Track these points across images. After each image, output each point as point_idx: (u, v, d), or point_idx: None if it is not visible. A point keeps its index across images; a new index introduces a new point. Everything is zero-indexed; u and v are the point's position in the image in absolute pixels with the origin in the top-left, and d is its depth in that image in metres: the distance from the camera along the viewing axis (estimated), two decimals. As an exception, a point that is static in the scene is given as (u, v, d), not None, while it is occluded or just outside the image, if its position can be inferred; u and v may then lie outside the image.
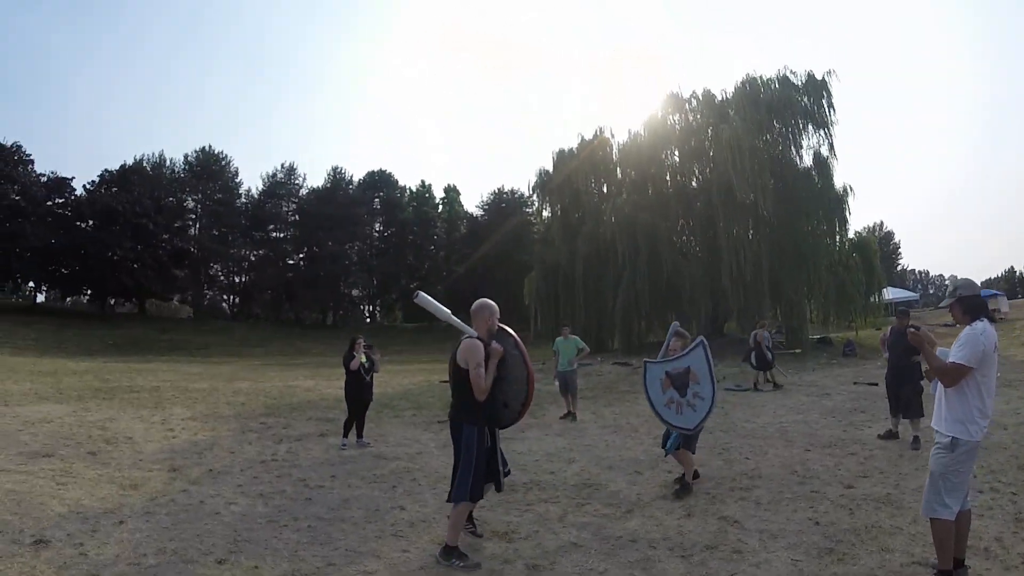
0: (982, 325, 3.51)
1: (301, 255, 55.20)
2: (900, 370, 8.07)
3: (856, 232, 28.62)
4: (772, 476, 6.53)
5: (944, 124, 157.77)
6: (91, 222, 42.16)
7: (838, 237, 25.53)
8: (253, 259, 56.49)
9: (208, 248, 51.58)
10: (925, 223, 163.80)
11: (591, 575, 4.04)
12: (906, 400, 7.91)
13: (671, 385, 6.09)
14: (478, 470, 4.19)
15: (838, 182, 25.17)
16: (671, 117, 27.82)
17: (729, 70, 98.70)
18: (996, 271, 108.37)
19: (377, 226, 60.18)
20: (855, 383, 14.81)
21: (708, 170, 26.05)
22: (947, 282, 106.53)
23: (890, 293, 36.80)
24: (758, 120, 24.96)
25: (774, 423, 10.02)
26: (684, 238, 28.20)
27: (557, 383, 12.18)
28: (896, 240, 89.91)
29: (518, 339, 4.39)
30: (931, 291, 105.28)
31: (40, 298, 47.51)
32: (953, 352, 3.48)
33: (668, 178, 27.99)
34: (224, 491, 6.15)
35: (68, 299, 47.86)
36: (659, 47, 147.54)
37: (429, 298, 4.58)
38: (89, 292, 45.69)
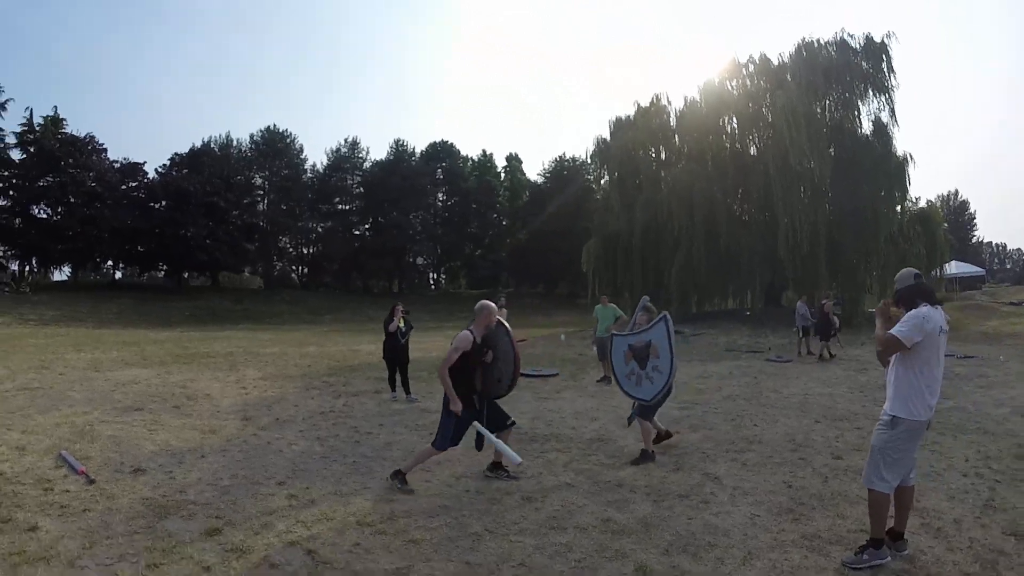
0: (926, 309, 3.67)
1: (367, 226, 56.86)
2: None
3: (928, 201, 27.86)
4: (770, 442, 6.88)
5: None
6: (164, 203, 44.74)
7: (898, 207, 24.99)
8: (320, 231, 58.77)
9: (277, 222, 54.01)
10: (1005, 194, 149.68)
11: (571, 507, 4.74)
12: None
13: (633, 358, 6.32)
14: (449, 429, 5.17)
15: (899, 149, 24.62)
16: (728, 83, 27.51)
17: (788, 33, 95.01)
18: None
19: (440, 196, 61.29)
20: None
21: (767, 137, 25.72)
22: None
23: (955, 267, 35.43)
24: (814, 86, 24.52)
25: (798, 394, 10.36)
26: (742, 207, 27.98)
27: (595, 348, 12.81)
28: (971, 211, 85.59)
29: (508, 328, 5.42)
30: (1007, 266, 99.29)
31: (118, 275, 50.82)
32: (895, 328, 3.66)
33: (728, 145, 27.73)
34: (287, 435, 7.21)
35: (145, 275, 50.99)
36: (718, 11, 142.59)
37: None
38: (165, 268, 48.66)
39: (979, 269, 48.88)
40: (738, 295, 27.46)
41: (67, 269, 46.54)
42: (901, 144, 44.05)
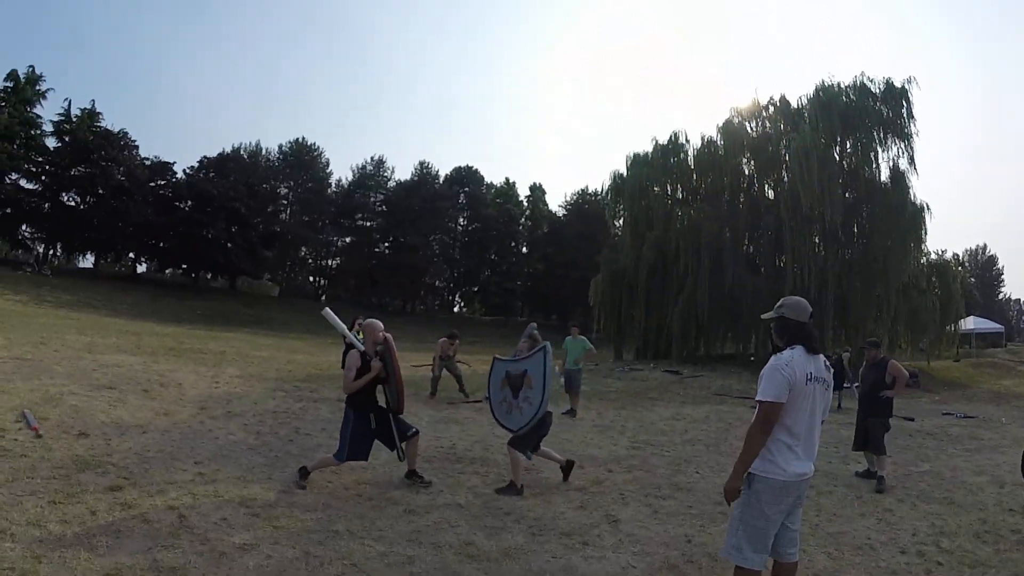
0: (788, 354, 3.23)
1: (387, 244, 58.49)
2: (868, 403, 7.97)
3: (954, 254, 27.91)
4: (701, 492, 6.55)
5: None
6: (189, 203, 47.21)
7: (912, 257, 24.97)
8: (340, 245, 60.69)
9: (298, 233, 55.90)
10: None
11: (443, 525, 4.97)
12: (869, 435, 7.69)
13: (507, 384, 6.31)
14: (348, 440, 5.71)
15: (917, 198, 24.67)
16: (748, 123, 28.15)
17: (809, 74, 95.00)
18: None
19: (462, 220, 63.19)
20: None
21: (782, 179, 26.15)
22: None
23: (972, 323, 34.84)
24: (831, 129, 24.88)
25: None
26: (751, 249, 28.34)
27: (562, 380, 13.35)
28: (999, 266, 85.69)
29: (393, 347, 5.87)
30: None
31: (141, 269, 53.29)
32: (759, 391, 3.20)
33: (744, 186, 28.30)
34: (230, 426, 8.04)
35: (167, 271, 53.09)
36: (739, 50, 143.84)
37: (332, 314, 6.28)
38: (184, 266, 51.06)
39: (998, 325, 47.53)
40: (740, 339, 27.53)
41: (91, 257, 48.76)
42: (920, 193, 43.55)
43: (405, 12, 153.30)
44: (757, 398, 3.18)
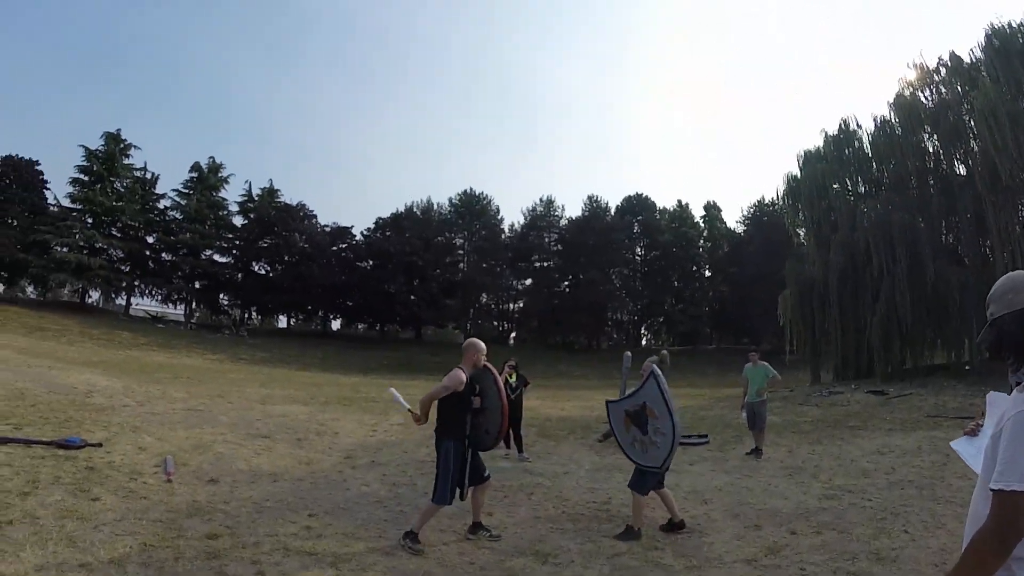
0: None
1: (566, 282, 59.41)
2: None
3: None
4: (909, 561, 5.12)
5: None
6: (369, 262, 52.68)
7: None
8: (520, 288, 62.56)
9: (477, 280, 58.45)
10: None
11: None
12: None
13: (632, 424, 5.89)
14: (451, 479, 5.20)
15: None
16: (920, 93, 25.30)
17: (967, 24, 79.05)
18: None
19: (638, 250, 62.54)
20: None
21: (971, 150, 23.02)
22: None
23: None
24: (1015, 78, 21.41)
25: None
26: (949, 239, 25.17)
27: (743, 415, 11.80)
28: None
29: (497, 375, 5.43)
30: None
31: (336, 325, 59.02)
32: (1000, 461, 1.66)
33: (930, 166, 25.20)
34: (368, 476, 7.86)
35: (358, 326, 57.91)
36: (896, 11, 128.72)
37: (395, 392, 6.00)
38: (370, 320, 55.93)
39: None
40: (951, 345, 23.88)
41: (284, 319, 55.49)
42: None
43: (559, 52, 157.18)
44: (998, 485, 1.58)
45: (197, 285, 50.36)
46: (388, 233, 52.81)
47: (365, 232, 54.70)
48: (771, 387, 11.88)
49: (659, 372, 5.74)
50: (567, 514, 6.54)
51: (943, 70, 24.64)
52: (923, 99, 25.21)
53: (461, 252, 61.00)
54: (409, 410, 5.65)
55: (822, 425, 14.70)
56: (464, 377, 5.24)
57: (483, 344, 5.48)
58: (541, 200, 62.65)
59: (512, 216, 69.73)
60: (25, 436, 7.31)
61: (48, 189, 46.11)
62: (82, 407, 10.29)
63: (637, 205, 62.02)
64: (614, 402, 6.19)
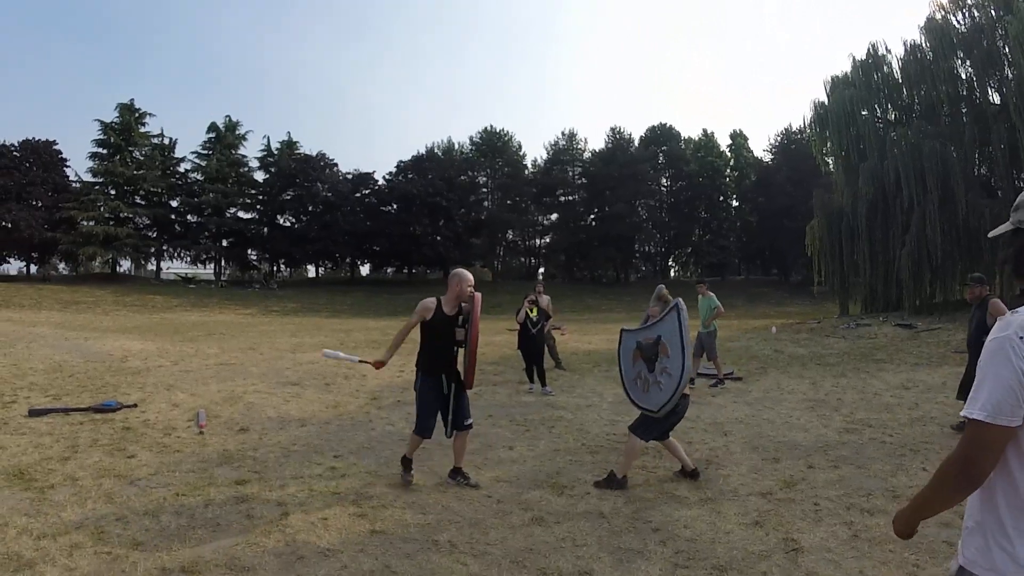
0: None
1: (592, 216, 59.32)
2: (975, 349, 6.97)
3: None
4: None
5: None
6: (393, 206, 53.05)
7: None
8: (547, 224, 62.62)
9: (502, 217, 58.71)
10: None
11: (568, 543, 4.53)
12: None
13: (640, 357, 5.42)
14: (424, 411, 5.21)
15: None
16: (953, 16, 24.08)
17: None
18: None
19: (664, 181, 61.95)
20: None
21: (1006, 78, 22.17)
22: None
23: None
24: None
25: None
26: (982, 170, 24.50)
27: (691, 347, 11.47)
28: None
29: (474, 308, 5.10)
30: None
31: (365, 271, 60.07)
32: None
33: (963, 94, 24.24)
34: (393, 416, 8.15)
35: (386, 270, 58.71)
36: None
37: (331, 352, 5.72)
38: (398, 264, 56.76)
39: None
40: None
41: (312, 268, 56.50)
42: None
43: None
44: (963, 413, 1.62)
45: (224, 243, 51.81)
46: (411, 176, 53.03)
47: (387, 176, 55.01)
48: (717, 318, 11.62)
49: (683, 307, 5.23)
50: (587, 446, 6.68)
51: (976, -10, 23.43)
52: (955, 23, 24.08)
53: (485, 190, 61.10)
54: (360, 360, 5.76)
55: (847, 358, 14.68)
56: (432, 306, 5.14)
57: (469, 275, 5.26)
58: (563, 134, 62.40)
59: (535, 152, 69.34)
60: (64, 405, 7.77)
61: (68, 167, 47.55)
62: (118, 372, 10.81)
63: (661, 135, 61.25)
64: (629, 331, 5.79)
